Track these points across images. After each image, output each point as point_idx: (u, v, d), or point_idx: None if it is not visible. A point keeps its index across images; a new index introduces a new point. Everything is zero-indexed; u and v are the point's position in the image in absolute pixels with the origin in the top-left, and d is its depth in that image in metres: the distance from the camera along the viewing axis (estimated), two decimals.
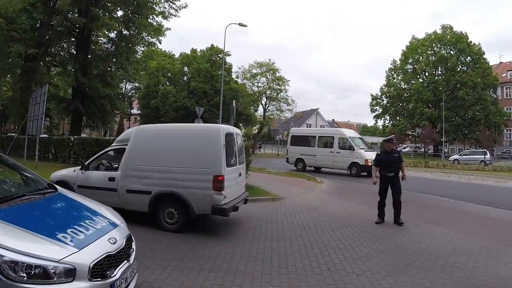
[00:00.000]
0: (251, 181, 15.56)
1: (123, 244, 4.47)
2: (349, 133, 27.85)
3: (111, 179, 9.21)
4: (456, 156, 49.40)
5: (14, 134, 30.74)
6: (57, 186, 5.54)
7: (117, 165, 9.55)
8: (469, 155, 48.19)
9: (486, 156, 45.52)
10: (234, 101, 18.52)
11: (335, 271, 6.33)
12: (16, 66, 29.44)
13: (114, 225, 4.79)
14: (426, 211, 12.55)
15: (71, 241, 3.91)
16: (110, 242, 4.27)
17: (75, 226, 4.25)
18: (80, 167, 9.87)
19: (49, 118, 38.92)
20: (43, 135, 27.60)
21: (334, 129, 35.12)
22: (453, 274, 6.35)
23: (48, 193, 5.20)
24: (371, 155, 22.02)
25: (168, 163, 8.80)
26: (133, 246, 4.83)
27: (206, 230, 9.02)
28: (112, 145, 10.45)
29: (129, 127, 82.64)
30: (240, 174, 9.92)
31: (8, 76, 34.10)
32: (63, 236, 3.93)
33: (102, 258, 3.98)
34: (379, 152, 11.63)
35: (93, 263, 3.83)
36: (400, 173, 10.44)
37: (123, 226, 4.98)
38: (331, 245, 7.96)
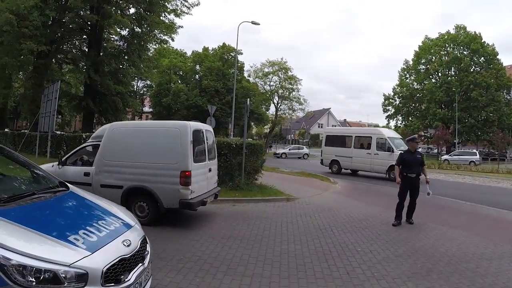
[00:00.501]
0: (265, 180, 15.57)
1: (138, 247, 4.29)
2: (388, 133, 25.93)
3: (86, 174, 9.49)
4: (446, 156, 49.54)
5: (26, 131, 30.79)
6: (69, 185, 5.35)
7: (92, 161, 9.80)
8: (459, 155, 48.44)
9: (475, 157, 46.63)
10: (248, 99, 18.34)
11: (355, 276, 6.14)
12: (28, 63, 29.42)
13: (128, 226, 4.60)
14: (442, 214, 12.32)
15: (83, 243, 3.72)
16: (124, 245, 4.08)
17: (87, 227, 4.06)
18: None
19: (61, 115, 38.99)
20: (58, 132, 27.70)
21: (372, 129, 32.30)
22: (475, 280, 6.15)
23: (59, 191, 5.01)
24: None
25: (138, 159, 9.10)
26: (148, 248, 4.64)
27: (221, 231, 8.81)
28: (88, 141, 10.81)
29: None
30: (210, 170, 10.23)
31: (20, 73, 34.02)
32: (74, 238, 3.74)
33: (116, 262, 3.79)
34: (402, 152, 11.38)
35: (106, 267, 3.64)
36: (422, 176, 10.30)
37: (137, 227, 4.79)
38: (348, 247, 7.76)
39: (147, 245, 4.68)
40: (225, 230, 8.86)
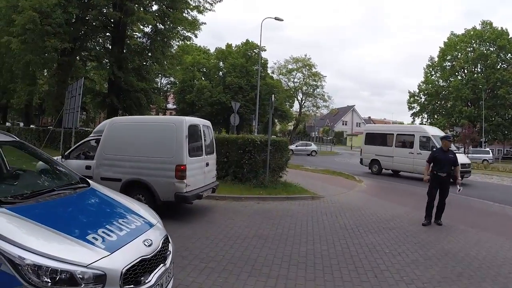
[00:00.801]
0: (289, 178, 15.43)
1: (159, 247, 4.13)
2: (433, 130, 23.78)
3: (88, 167, 9.74)
4: None
5: (50, 127, 31.15)
6: (89, 181, 5.25)
7: (94, 154, 10.14)
8: (472, 153, 47.39)
9: (488, 156, 46.57)
10: (273, 95, 18.19)
11: (383, 279, 5.94)
12: (52, 61, 29.69)
13: (150, 225, 4.45)
14: (471, 215, 12.02)
15: (102, 243, 3.58)
16: (145, 245, 3.93)
17: (107, 226, 3.94)
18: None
19: (85, 111, 39.43)
20: (87, 129, 27.95)
21: (415, 126, 30.17)
22: (508, 287, 5.93)
23: (80, 188, 4.91)
24: (461, 159, 17.54)
25: (136, 153, 9.39)
26: (170, 248, 4.48)
27: (245, 229, 8.67)
28: (90, 135, 11.09)
29: None
30: (207, 164, 10.43)
31: (45, 70, 34.42)
32: (93, 238, 3.61)
33: (136, 263, 3.64)
34: (434, 149, 11.07)
35: (126, 268, 3.49)
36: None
37: (159, 226, 4.63)
38: (376, 249, 7.56)
39: (169, 244, 4.52)
40: (249, 229, 8.71)
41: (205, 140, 10.42)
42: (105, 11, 28.57)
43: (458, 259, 7.15)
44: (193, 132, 9.74)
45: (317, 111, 70.03)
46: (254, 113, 37.90)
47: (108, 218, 4.25)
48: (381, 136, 25.09)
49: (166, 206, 10.14)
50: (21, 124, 51.52)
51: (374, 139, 25.36)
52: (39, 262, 3.08)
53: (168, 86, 77.91)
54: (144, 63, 32.79)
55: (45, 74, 36.32)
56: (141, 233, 4.10)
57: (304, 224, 9.42)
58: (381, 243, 7.98)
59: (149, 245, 3.95)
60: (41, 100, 47.07)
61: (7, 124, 55.86)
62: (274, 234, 8.40)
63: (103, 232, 3.77)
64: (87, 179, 5.29)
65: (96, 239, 3.59)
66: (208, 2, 31.64)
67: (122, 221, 4.18)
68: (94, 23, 29.55)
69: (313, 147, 49.36)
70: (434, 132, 23.19)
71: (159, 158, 9.16)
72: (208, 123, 11.34)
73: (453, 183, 10.04)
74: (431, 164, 10.11)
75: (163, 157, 9.13)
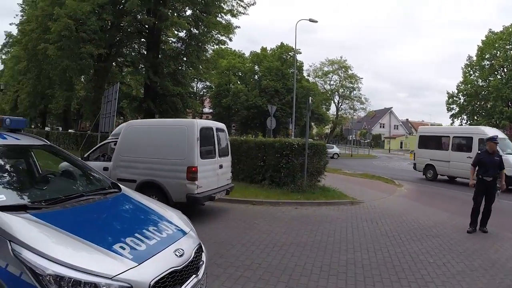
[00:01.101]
0: (328, 182, 15.15)
1: (192, 256, 3.94)
2: (492, 132, 21.20)
3: (105, 169, 9.95)
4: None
5: (89, 131, 31.75)
6: (121, 186, 5.14)
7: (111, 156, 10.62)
8: None
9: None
10: (310, 98, 17.91)
11: None
12: (88, 67, 30.23)
13: (182, 233, 4.26)
14: None
15: (129, 253, 3.40)
16: (176, 255, 3.73)
17: (136, 234, 3.76)
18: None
19: (123, 116, 39.94)
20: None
21: (473, 128, 26.11)
22: None
23: (110, 193, 4.80)
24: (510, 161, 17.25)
25: (150, 155, 9.77)
26: (204, 257, 4.29)
27: (282, 236, 8.44)
28: (108, 138, 11.79)
29: None
30: (221, 166, 10.58)
31: (82, 76, 35.06)
32: (120, 247, 3.43)
33: (166, 275, 3.44)
34: (479, 152, 10.60)
35: (155, 280, 3.29)
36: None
37: (192, 234, 4.43)
38: (419, 258, 7.21)
39: (203, 254, 4.33)
40: (287, 236, 8.50)
41: (218, 142, 10.60)
42: (139, 17, 28.94)
43: (506, 270, 6.78)
44: (205, 135, 9.97)
45: (354, 113, 69.32)
46: (291, 116, 37.68)
47: (138, 225, 4.09)
48: (436, 139, 23.32)
49: (200, 210, 10.11)
50: (60, 129, 52.66)
51: (428, 142, 23.56)
52: (62, 272, 2.95)
53: (204, 90, 78.36)
54: (180, 68, 32.97)
55: (82, 80, 36.97)
56: (173, 242, 3.93)
57: (344, 231, 9.15)
58: (424, 252, 7.63)
59: (181, 255, 3.77)
60: (79, 106, 48.08)
61: (47, 128, 57.22)
62: (312, 241, 8.16)
63: (131, 241, 3.61)
64: (119, 184, 5.19)
65: (124, 249, 3.43)
66: (241, 6, 31.59)
67: (153, 229, 4.02)
68: (129, 29, 29.99)
69: (335, 149, 48.38)
70: (494, 133, 21.29)
71: (172, 159, 9.47)
72: (222, 126, 11.53)
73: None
74: (476, 168, 9.70)
75: (175, 158, 9.42)
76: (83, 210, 4.10)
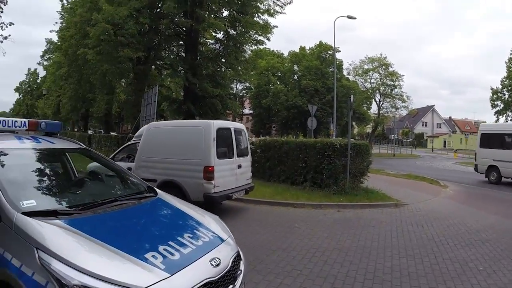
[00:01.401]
0: (371, 183, 14.77)
1: (229, 266, 3.75)
2: None
3: (129, 169, 10.18)
4: None
5: (131, 134, 32.26)
6: (157, 190, 5.03)
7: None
8: None
9: None
10: (352, 96, 17.57)
11: None
12: (127, 70, 30.68)
13: (220, 240, 4.07)
14: None
15: (162, 262, 3.22)
16: (212, 264, 3.55)
17: (170, 242, 3.59)
18: None
19: (163, 118, 40.40)
20: None
21: None
22: None
23: (145, 198, 4.70)
24: None
25: (169, 155, 10.19)
26: (242, 266, 4.08)
27: (324, 241, 8.22)
28: (132, 140, 12.57)
29: None
30: (240, 166, 10.80)
31: (122, 80, 35.70)
32: (152, 256, 3.27)
33: (200, 286, 3.28)
34: None
35: None
36: None
37: (230, 241, 4.22)
38: (468, 266, 6.82)
39: (241, 262, 4.13)
40: (329, 240, 8.27)
41: (237, 143, 10.87)
42: (176, 20, 29.11)
43: None
44: (223, 135, 10.23)
45: (396, 112, 68.00)
46: (331, 116, 37.25)
47: (172, 233, 3.93)
48: (500, 137, 20.61)
49: (240, 213, 10.01)
50: (102, 132, 53.76)
51: (491, 141, 21.08)
52: (88, 283, 2.84)
53: (243, 91, 78.53)
54: (218, 69, 32.98)
55: (122, 83, 37.61)
56: (209, 251, 3.74)
57: (388, 235, 8.84)
58: (473, 259, 7.22)
59: (217, 265, 3.59)
60: (120, 109, 48.95)
61: (89, 132, 58.48)
62: (356, 246, 7.90)
63: (164, 249, 3.44)
64: (155, 188, 5.10)
65: (156, 258, 3.27)
66: (278, 5, 31.32)
67: (188, 236, 3.85)
68: (166, 32, 30.21)
69: None
70: None
71: (189, 160, 9.81)
72: (241, 126, 11.94)
73: None
74: None
75: (193, 159, 9.75)
76: (115, 216, 4.04)
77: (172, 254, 3.41)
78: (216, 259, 3.65)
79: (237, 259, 4.03)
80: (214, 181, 9.52)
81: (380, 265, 6.76)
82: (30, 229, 3.23)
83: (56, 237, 3.20)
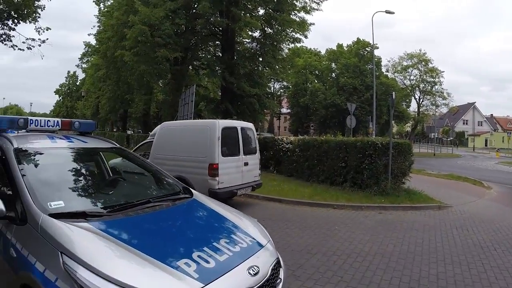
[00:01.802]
0: (413, 184, 14.31)
1: (268, 274, 3.50)
2: None
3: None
4: None
5: None
6: (193, 191, 4.84)
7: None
8: None
9: None
10: (393, 92, 17.22)
11: None
12: (165, 71, 31.01)
13: (258, 246, 3.82)
14: None
15: (195, 271, 3.00)
16: (250, 273, 3.30)
17: (205, 248, 3.37)
18: None
19: (200, 118, 40.75)
20: None
21: None
22: None
23: (180, 199, 4.53)
24: None
25: (179, 153, 10.77)
26: (281, 274, 3.82)
27: (366, 245, 7.98)
28: (148, 138, 13.41)
29: (279, 126, 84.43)
30: (246, 164, 11.22)
31: (161, 80, 36.09)
32: (185, 263, 3.05)
33: None
34: None
35: None
36: None
37: (270, 247, 3.96)
38: None
39: (281, 269, 3.87)
40: (371, 244, 8.03)
41: (243, 141, 11.28)
42: (212, 20, 29.26)
43: None
44: (228, 134, 10.71)
45: (436, 110, 66.60)
46: (370, 115, 36.69)
47: (207, 238, 3.72)
48: None
49: (279, 215, 10.08)
50: (141, 132, 54.52)
51: None
52: None
53: (281, 90, 78.37)
54: (256, 68, 32.92)
55: (160, 84, 38.03)
56: (247, 258, 3.50)
57: (433, 240, 8.52)
58: None
59: (255, 274, 3.34)
60: (158, 109, 49.56)
61: (128, 132, 59.45)
62: (399, 251, 7.63)
63: (199, 256, 3.23)
64: (190, 189, 4.93)
65: (189, 266, 3.06)
66: (314, 2, 30.97)
67: (225, 242, 3.63)
68: (203, 32, 30.42)
69: None
70: None
71: (196, 157, 10.37)
72: (249, 125, 12.29)
73: None
74: None
75: (199, 156, 10.32)
76: (148, 219, 3.88)
77: (207, 262, 3.21)
78: (255, 267, 3.42)
79: (276, 266, 3.80)
80: (219, 178, 10.07)
81: (425, 272, 6.46)
82: (55, 232, 3.13)
83: (83, 241, 3.08)
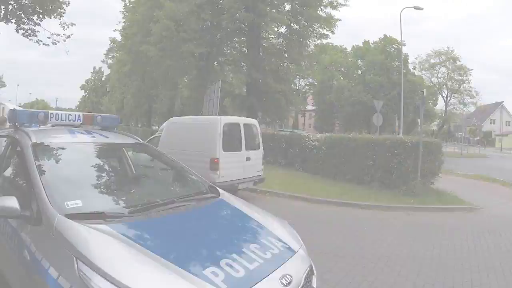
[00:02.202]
0: (442, 185, 13.94)
1: (301, 284, 3.19)
2: None
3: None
4: None
5: None
6: (220, 190, 4.50)
7: None
8: None
9: None
10: (424, 89, 16.96)
11: None
12: (190, 66, 31.06)
13: (291, 252, 3.48)
14: None
15: (223, 281, 2.71)
16: (283, 283, 2.98)
17: (234, 255, 3.06)
18: None
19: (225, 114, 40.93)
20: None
21: None
22: None
23: (206, 199, 4.24)
24: None
25: (183, 147, 10.88)
26: (314, 283, 3.50)
27: (396, 248, 7.78)
28: (157, 133, 13.97)
29: (303, 123, 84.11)
30: (248, 159, 11.57)
31: (186, 76, 36.25)
32: (212, 272, 2.76)
33: None
34: None
35: None
36: None
37: (302, 252, 3.63)
38: None
39: (313, 277, 3.54)
40: (401, 247, 7.82)
41: (246, 136, 11.58)
42: (237, 15, 29.19)
43: None
44: (230, 130, 11.14)
45: (463, 108, 65.70)
46: (397, 112, 36.19)
47: (236, 243, 3.44)
48: None
49: (306, 215, 9.90)
50: None
51: None
52: None
53: (306, 87, 78.01)
54: (282, 64, 32.68)
55: (185, 79, 38.17)
56: (279, 266, 3.17)
57: (465, 244, 8.25)
58: None
59: (288, 283, 3.02)
60: (183, 104, 49.76)
61: (153, 127, 59.90)
62: (430, 255, 7.39)
63: (227, 264, 2.92)
64: (217, 188, 4.59)
65: (217, 275, 2.76)
66: None
67: (255, 248, 3.29)
68: (228, 28, 30.39)
69: None
70: None
71: (198, 152, 10.68)
72: (252, 121, 12.73)
73: None
74: None
75: (202, 151, 10.68)
76: (171, 221, 3.60)
77: (235, 271, 2.90)
78: (287, 276, 3.09)
79: (309, 274, 3.46)
80: (219, 172, 10.45)
81: (458, 279, 6.19)
82: (71, 234, 2.89)
83: (100, 245, 2.83)
